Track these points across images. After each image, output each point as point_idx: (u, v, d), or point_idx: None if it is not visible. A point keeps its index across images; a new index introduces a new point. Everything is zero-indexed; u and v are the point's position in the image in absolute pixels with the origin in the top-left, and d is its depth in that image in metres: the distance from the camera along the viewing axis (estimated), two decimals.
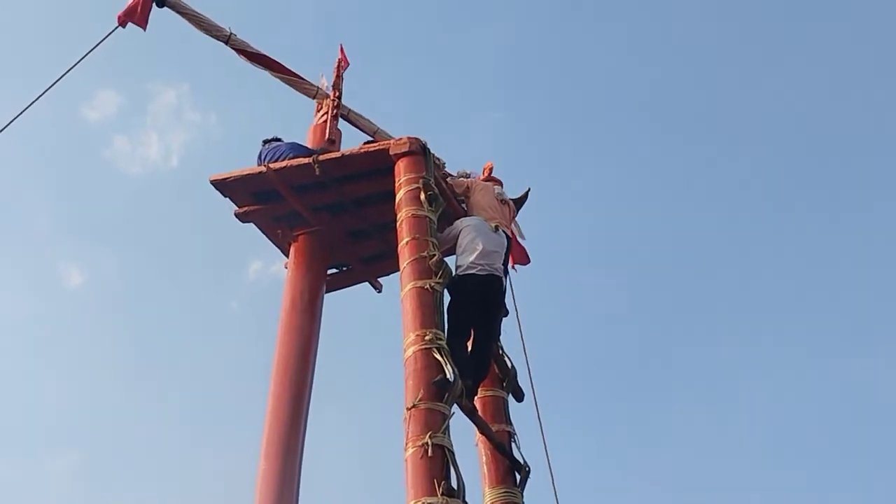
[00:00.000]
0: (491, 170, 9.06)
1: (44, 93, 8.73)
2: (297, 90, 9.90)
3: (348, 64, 10.27)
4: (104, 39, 8.98)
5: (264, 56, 9.62)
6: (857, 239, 22.71)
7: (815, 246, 23.15)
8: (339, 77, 10.00)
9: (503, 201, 8.75)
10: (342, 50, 10.34)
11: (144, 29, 9.11)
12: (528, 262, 9.26)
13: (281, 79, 9.74)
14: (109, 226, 24.23)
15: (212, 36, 9.43)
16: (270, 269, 20.07)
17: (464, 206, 8.58)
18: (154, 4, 9.11)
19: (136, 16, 9.01)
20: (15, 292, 23.02)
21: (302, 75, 9.88)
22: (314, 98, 9.96)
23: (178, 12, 9.30)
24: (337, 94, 9.78)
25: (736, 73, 24.78)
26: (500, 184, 8.95)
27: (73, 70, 8.80)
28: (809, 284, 22.48)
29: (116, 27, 9.02)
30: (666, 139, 24.48)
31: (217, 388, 21.66)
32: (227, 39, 9.43)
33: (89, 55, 8.89)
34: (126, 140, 24.95)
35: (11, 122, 8.58)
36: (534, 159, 23.17)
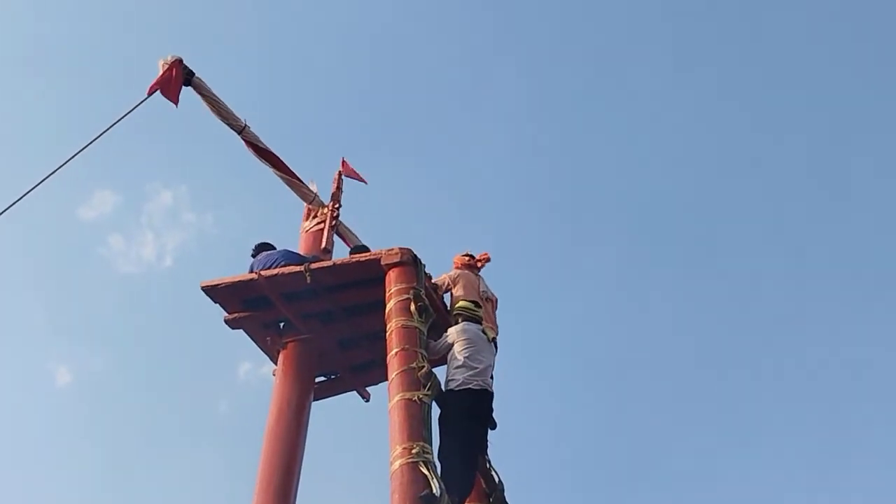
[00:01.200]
0: (486, 261, 9.04)
1: (61, 166, 8.40)
2: (295, 192, 10.03)
3: (366, 182, 10.43)
4: (136, 108, 8.84)
5: (271, 153, 9.76)
6: None
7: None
8: (338, 189, 10.17)
9: (487, 298, 8.74)
10: (344, 163, 10.50)
11: (176, 105, 9.05)
12: None
13: (282, 178, 9.86)
14: (101, 324, 24.20)
15: (227, 123, 9.51)
16: (261, 370, 19.89)
17: (446, 299, 8.56)
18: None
19: (168, 88, 8.98)
20: (7, 390, 22.91)
21: (301, 178, 10.03)
22: (310, 203, 10.09)
23: (200, 94, 9.37)
24: (337, 205, 9.91)
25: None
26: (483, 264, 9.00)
27: (73, 164, 8.44)
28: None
29: (146, 98, 8.92)
30: (659, 254, 24.75)
31: (204, 492, 21.25)
32: (242, 130, 9.54)
33: (121, 121, 8.75)
34: (121, 239, 25.11)
35: (24, 196, 8.14)
36: (528, 266, 23.36)
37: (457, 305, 8.22)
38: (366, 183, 10.52)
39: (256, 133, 9.67)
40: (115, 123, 8.73)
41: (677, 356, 23.40)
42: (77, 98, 25.32)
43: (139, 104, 8.90)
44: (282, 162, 9.83)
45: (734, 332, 23.81)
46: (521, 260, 23.54)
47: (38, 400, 23.20)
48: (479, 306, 8.25)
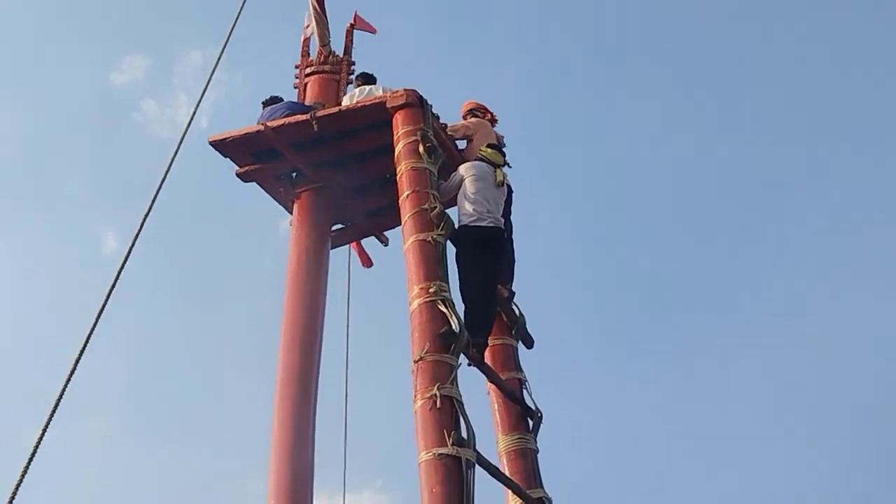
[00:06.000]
0: (495, 122, 8.92)
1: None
2: (316, 31, 9.91)
3: (375, 31, 10.22)
4: None
5: None
6: None
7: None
8: (351, 42, 9.99)
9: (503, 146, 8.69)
10: (357, 16, 10.25)
11: None
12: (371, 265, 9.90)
13: (315, 14, 9.77)
14: (142, 189, 24.17)
15: None
16: None
17: (462, 150, 8.52)
18: None
19: None
20: (55, 259, 23.27)
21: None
22: (322, 46, 9.91)
23: None
24: (351, 60, 9.77)
25: None
26: (496, 122, 8.91)
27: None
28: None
29: None
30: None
31: (253, 344, 21.84)
32: None
33: None
34: (154, 103, 24.99)
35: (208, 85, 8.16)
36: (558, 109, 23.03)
37: (480, 151, 8.02)
38: (375, 32, 10.28)
39: None
40: None
41: None
42: None
43: None
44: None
45: None
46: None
47: (89, 267, 23.55)
48: (502, 154, 8.12)
